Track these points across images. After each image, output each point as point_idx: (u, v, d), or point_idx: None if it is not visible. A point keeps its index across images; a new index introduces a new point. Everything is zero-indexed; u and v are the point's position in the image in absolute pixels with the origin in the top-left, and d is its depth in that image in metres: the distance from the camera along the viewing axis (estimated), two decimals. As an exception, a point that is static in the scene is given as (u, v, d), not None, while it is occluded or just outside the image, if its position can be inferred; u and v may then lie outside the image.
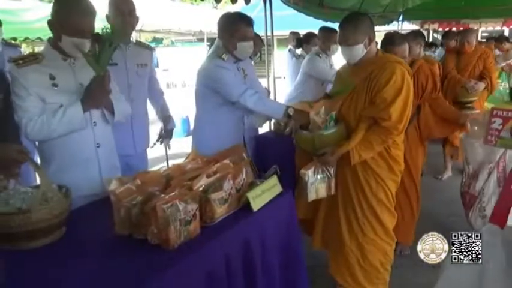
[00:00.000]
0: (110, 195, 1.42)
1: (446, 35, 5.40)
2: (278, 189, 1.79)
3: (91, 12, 1.76)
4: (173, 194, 1.37)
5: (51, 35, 1.80)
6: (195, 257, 1.35)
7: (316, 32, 4.41)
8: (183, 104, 6.51)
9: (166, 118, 2.81)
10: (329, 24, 6.20)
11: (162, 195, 1.38)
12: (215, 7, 13.38)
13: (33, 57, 1.75)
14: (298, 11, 5.49)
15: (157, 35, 15.35)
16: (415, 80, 2.68)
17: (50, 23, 1.75)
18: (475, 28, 8.40)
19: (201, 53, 15.63)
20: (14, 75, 1.71)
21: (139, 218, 1.40)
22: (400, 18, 8.35)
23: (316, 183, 2.08)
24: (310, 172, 2.04)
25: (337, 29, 2.17)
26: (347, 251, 2.21)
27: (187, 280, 1.30)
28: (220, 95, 2.33)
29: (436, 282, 1.39)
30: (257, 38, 3.62)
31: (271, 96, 4.58)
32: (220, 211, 1.54)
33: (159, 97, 2.81)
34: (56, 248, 1.37)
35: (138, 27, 14.58)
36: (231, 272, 1.45)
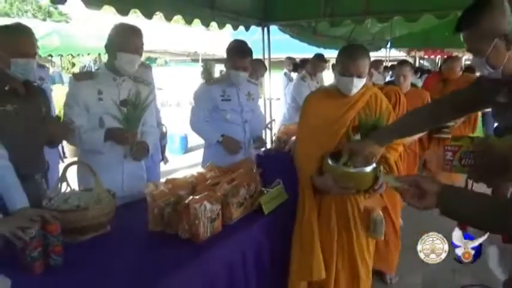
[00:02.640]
0: (146, 196, 1.68)
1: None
2: (284, 196, 2.07)
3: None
4: (201, 195, 1.64)
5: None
6: (218, 248, 1.61)
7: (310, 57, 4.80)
8: (178, 122, 6.78)
9: (161, 135, 3.11)
10: (321, 50, 6.64)
11: (191, 197, 1.64)
12: (208, 29, 13.88)
13: (90, 75, 2.12)
14: (293, 37, 5.88)
15: (152, 55, 15.74)
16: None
17: (106, 46, 2.09)
18: (460, 56, 8.88)
19: (195, 73, 16.02)
20: (70, 86, 2.08)
21: (171, 216, 1.66)
22: (388, 45, 8.83)
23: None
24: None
25: (343, 59, 2.01)
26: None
27: (212, 268, 1.56)
28: None
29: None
30: (260, 64, 3.96)
31: (267, 116, 4.92)
32: (237, 213, 1.81)
33: (156, 114, 3.09)
34: (101, 241, 1.62)
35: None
36: (246, 263, 1.72)
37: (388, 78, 7.25)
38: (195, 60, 15.77)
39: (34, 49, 1.91)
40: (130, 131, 2.05)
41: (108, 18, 7.27)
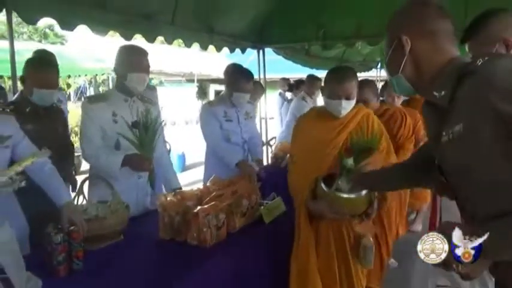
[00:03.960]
0: (157, 208, 1.84)
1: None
2: (282, 208, 2.23)
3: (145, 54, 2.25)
4: (208, 205, 1.80)
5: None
6: (224, 254, 1.77)
7: (303, 77, 5.04)
8: (175, 140, 6.94)
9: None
10: (314, 71, 6.90)
11: (199, 207, 1.80)
12: (202, 50, 14.15)
13: (102, 97, 2.23)
14: (286, 58, 6.13)
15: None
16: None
17: (116, 68, 2.22)
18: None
19: (191, 93, 16.27)
20: (85, 109, 2.17)
21: (181, 225, 1.81)
22: (378, 66, 9.16)
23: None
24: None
25: (330, 82, 2.07)
26: None
27: (219, 271, 1.70)
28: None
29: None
30: (259, 86, 4.17)
31: (262, 134, 5.11)
32: (240, 222, 1.97)
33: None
34: (116, 248, 1.77)
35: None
36: (249, 267, 1.87)
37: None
38: (190, 81, 16.06)
39: (57, 81, 2.08)
40: (146, 155, 2.11)
41: (104, 40, 7.49)
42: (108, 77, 13.45)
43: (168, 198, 1.88)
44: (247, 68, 2.92)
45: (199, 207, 1.79)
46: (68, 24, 2.86)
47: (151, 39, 3.64)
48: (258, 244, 1.99)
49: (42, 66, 2.14)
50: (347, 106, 2.02)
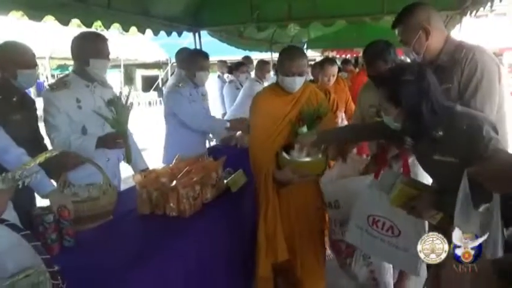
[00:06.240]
0: (136, 185, 1.96)
1: (344, 61, 6.61)
2: (244, 179, 2.44)
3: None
4: (184, 179, 1.96)
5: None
6: (202, 221, 1.95)
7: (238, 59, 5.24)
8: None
9: None
10: (247, 52, 7.13)
11: (175, 181, 1.95)
12: (122, 33, 13.63)
13: (64, 84, 2.19)
14: (221, 41, 6.26)
15: (68, 62, 15.07)
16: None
17: (77, 54, 2.21)
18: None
19: (116, 79, 15.64)
20: (48, 97, 2.14)
21: (158, 199, 1.95)
22: (305, 46, 9.63)
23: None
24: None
25: (284, 61, 2.18)
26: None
27: (198, 236, 1.89)
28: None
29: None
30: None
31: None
32: (212, 192, 2.16)
33: None
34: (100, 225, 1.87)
35: (47, 55, 13.98)
36: (223, 229, 2.10)
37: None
38: (116, 66, 15.44)
39: (35, 60, 2.04)
40: (122, 133, 2.14)
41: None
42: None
43: (145, 177, 2.00)
44: (200, 49, 3.06)
45: (175, 182, 1.94)
46: (3, 9, 2.74)
47: (88, 23, 3.57)
48: (229, 210, 2.21)
49: (19, 46, 2.07)
50: (300, 82, 2.19)
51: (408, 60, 2.28)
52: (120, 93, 2.17)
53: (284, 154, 2.08)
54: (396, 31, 1.95)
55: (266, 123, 2.24)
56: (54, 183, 1.86)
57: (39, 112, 2.27)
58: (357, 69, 6.82)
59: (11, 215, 1.28)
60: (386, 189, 1.80)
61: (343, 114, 3.63)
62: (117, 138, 2.15)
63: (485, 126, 1.44)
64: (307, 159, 2.06)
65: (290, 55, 2.19)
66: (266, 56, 8.30)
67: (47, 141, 2.30)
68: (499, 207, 1.13)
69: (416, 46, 1.85)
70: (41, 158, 1.22)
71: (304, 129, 2.17)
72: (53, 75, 14.87)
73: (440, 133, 1.51)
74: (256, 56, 7.89)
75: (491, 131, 1.45)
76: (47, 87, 2.22)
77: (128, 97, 2.14)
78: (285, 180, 2.11)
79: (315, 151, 2.10)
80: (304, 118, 2.22)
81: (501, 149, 1.41)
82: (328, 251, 3.14)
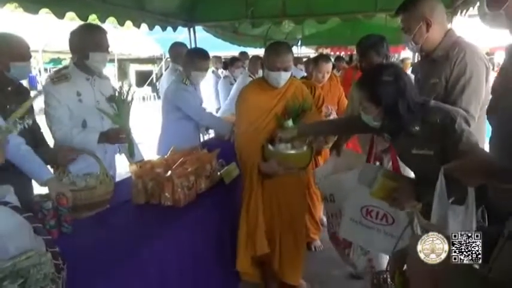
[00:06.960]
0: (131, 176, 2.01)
1: (337, 58, 6.68)
2: (237, 171, 2.50)
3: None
4: (179, 170, 2.01)
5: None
6: (196, 211, 2.01)
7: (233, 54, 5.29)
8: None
9: None
10: (242, 48, 7.18)
11: (170, 172, 2.00)
12: (115, 27, 13.54)
13: (64, 77, 2.20)
14: (216, 36, 6.30)
15: (62, 56, 14.98)
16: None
17: (76, 47, 2.22)
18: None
19: (110, 74, 15.57)
20: (49, 90, 2.15)
21: (154, 189, 2.00)
22: (299, 43, 9.69)
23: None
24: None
25: (270, 56, 2.23)
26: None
27: (192, 225, 1.94)
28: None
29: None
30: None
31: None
32: (206, 183, 2.21)
33: None
34: (97, 214, 1.92)
35: (40, 48, 13.92)
36: (217, 219, 2.16)
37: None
38: (109, 60, 15.34)
39: (29, 53, 2.06)
40: (124, 127, 2.17)
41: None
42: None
43: (140, 167, 2.05)
44: (202, 48, 3.09)
45: (170, 172, 1.99)
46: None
47: (84, 17, 3.59)
48: (222, 201, 2.27)
49: (12, 38, 2.08)
50: (285, 77, 2.24)
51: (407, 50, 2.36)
52: (120, 88, 2.19)
53: (269, 146, 2.15)
54: (399, 19, 2.00)
55: (252, 116, 2.28)
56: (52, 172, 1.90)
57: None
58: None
59: (12, 198, 1.32)
60: (367, 183, 1.84)
61: (333, 111, 3.68)
62: (120, 134, 2.18)
63: (457, 119, 1.52)
64: (292, 151, 2.14)
65: (276, 50, 2.23)
66: (261, 52, 8.35)
67: (47, 132, 2.32)
68: (473, 199, 1.22)
69: (417, 36, 1.91)
70: (28, 103, 1.26)
71: (290, 122, 2.23)
72: (45, 69, 14.79)
73: (417, 128, 1.59)
74: (251, 52, 7.95)
75: (463, 123, 1.53)
76: (48, 79, 2.23)
77: (128, 93, 2.17)
78: (270, 172, 2.16)
79: (299, 144, 2.16)
80: (289, 112, 2.29)
81: (475, 146, 1.50)
82: (319, 242, 3.27)
